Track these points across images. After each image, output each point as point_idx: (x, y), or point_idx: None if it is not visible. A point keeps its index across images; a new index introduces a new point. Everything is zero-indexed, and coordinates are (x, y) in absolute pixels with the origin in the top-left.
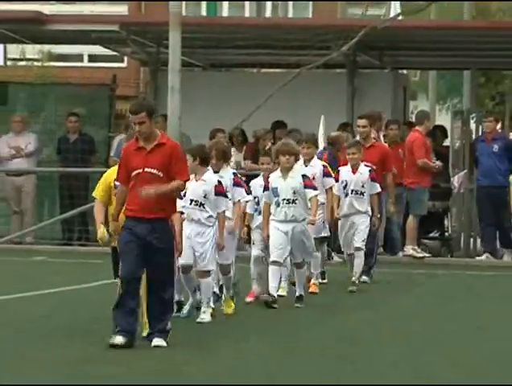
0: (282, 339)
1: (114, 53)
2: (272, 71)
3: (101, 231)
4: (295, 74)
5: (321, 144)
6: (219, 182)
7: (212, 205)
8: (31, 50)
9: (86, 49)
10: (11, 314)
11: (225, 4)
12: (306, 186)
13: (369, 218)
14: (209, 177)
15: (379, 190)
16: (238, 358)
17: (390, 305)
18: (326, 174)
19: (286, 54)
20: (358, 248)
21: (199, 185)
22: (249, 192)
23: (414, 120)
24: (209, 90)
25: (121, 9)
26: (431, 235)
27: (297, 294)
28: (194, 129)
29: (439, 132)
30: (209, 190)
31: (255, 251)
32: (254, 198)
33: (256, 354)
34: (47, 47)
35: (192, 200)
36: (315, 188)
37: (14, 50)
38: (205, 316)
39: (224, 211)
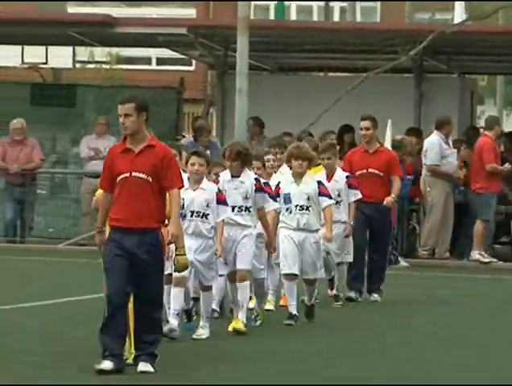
0: (342, 342)
1: (182, 56)
2: (339, 75)
3: None
4: (363, 78)
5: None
6: (219, 189)
7: (214, 214)
8: (100, 52)
9: (154, 52)
10: (49, 318)
11: (293, 10)
12: (321, 194)
13: (346, 226)
14: (208, 185)
15: (359, 196)
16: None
17: (453, 309)
18: None
19: (354, 58)
20: (339, 263)
21: (199, 194)
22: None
23: (482, 125)
24: (277, 93)
25: (190, 12)
26: (502, 240)
27: (307, 305)
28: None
29: (505, 138)
30: (211, 198)
31: None
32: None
33: (312, 355)
34: (115, 50)
35: (192, 212)
36: (330, 197)
37: (82, 52)
38: (204, 332)
39: (223, 220)
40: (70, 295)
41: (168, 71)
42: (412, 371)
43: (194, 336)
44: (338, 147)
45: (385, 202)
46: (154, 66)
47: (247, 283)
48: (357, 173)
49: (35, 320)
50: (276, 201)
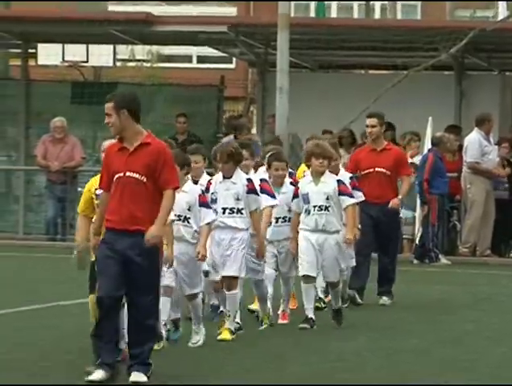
0: (383, 341)
1: (223, 54)
2: (380, 73)
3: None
4: (404, 75)
5: (427, 145)
6: (202, 191)
7: (197, 218)
8: (141, 51)
9: (195, 50)
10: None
11: (334, 8)
12: (341, 193)
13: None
14: (191, 187)
15: (362, 198)
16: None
17: (494, 307)
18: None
19: (394, 55)
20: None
21: (181, 197)
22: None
23: None
24: (317, 91)
25: (230, 10)
26: None
27: (334, 309)
28: (302, 131)
29: None
30: (193, 201)
31: (267, 269)
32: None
33: (352, 354)
34: (155, 48)
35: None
36: (351, 195)
37: (123, 50)
38: (199, 337)
39: (209, 223)
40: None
41: (209, 69)
42: (454, 369)
43: (190, 344)
44: None
45: (390, 204)
46: (194, 64)
47: (235, 292)
48: (364, 172)
49: (74, 318)
50: (275, 198)
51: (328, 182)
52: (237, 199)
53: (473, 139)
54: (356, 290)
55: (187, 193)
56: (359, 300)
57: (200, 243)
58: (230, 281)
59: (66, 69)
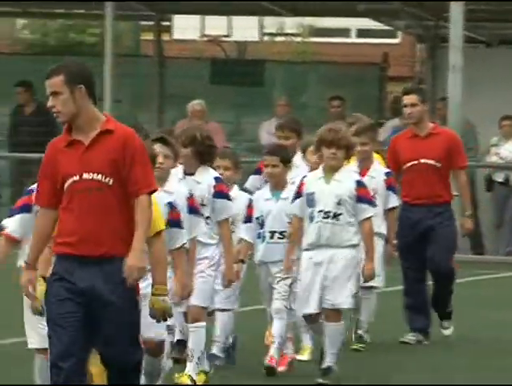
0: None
1: (386, 27)
2: None
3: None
4: None
5: None
6: (191, 194)
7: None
8: (291, 23)
9: (354, 23)
10: None
11: None
12: (360, 199)
13: (383, 241)
14: (177, 187)
15: (396, 204)
16: None
17: None
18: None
19: None
20: (366, 288)
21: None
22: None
23: None
24: (496, 70)
25: None
26: None
27: (324, 365)
28: (477, 117)
29: None
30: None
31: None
32: (257, 218)
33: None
34: (308, 21)
35: None
36: (372, 204)
37: (271, 23)
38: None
39: (195, 239)
40: None
41: (369, 44)
42: None
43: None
44: None
45: (464, 231)
46: (353, 39)
47: (201, 324)
48: (406, 165)
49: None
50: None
51: (344, 182)
52: (202, 204)
53: None
54: (419, 331)
55: (171, 194)
56: (426, 342)
57: (177, 271)
58: (196, 312)
59: (205, 44)
